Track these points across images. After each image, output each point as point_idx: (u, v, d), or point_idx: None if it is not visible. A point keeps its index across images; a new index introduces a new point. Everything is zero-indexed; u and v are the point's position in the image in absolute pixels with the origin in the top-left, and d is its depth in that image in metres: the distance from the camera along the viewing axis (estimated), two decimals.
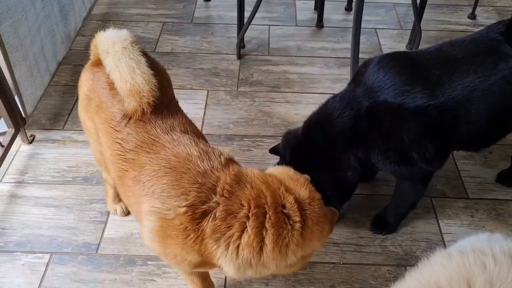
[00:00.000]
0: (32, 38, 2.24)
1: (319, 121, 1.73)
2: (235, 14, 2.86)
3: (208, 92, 2.66)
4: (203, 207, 1.20)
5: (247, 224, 1.19)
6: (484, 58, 1.58)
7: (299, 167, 1.73)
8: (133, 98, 1.37)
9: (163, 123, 1.41)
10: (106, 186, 1.96)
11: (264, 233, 1.19)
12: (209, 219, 1.19)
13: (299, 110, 2.53)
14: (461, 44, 1.65)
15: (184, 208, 1.20)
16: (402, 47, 2.99)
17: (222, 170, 1.27)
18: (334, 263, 1.87)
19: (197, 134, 1.48)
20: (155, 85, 1.39)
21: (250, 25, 2.80)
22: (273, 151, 1.92)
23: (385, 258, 1.89)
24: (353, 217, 2.03)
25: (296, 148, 1.75)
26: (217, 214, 1.19)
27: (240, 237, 1.19)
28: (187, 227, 1.20)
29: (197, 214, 1.20)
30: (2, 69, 2.06)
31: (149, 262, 1.86)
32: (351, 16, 3.16)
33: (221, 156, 1.32)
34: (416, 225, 2.01)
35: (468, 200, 2.11)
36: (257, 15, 2.76)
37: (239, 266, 1.22)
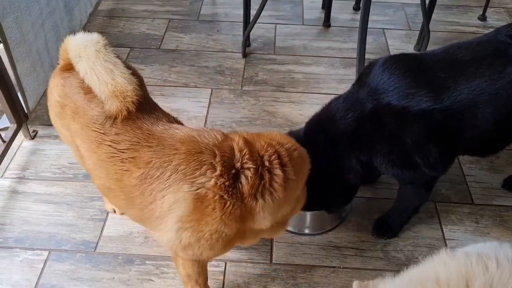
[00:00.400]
0: (35, 33, 2.24)
1: (322, 122, 1.71)
2: (241, 11, 2.83)
3: (212, 90, 2.64)
4: (232, 171, 1.28)
5: (273, 171, 1.30)
6: (491, 61, 1.54)
7: None
8: (116, 99, 1.35)
9: (149, 117, 1.42)
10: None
11: (284, 174, 1.32)
12: (242, 181, 1.28)
13: (303, 110, 2.50)
14: (468, 47, 1.61)
15: (213, 180, 1.26)
16: (410, 48, 2.94)
17: (228, 139, 1.36)
18: (334, 267, 1.85)
19: (179, 122, 1.52)
20: (137, 84, 1.38)
21: (256, 23, 2.77)
22: None
23: (386, 263, 1.86)
24: (355, 220, 2.00)
25: None
26: (248, 173, 1.28)
27: (271, 185, 1.30)
28: (222, 196, 1.26)
29: (229, 181, 1.27)
30: (5, 64, 2.05)
31: (147, 262, 1.84)
32: (359, 16, 3.12)
33: (215, 131, 1.38)
34: (419, 230, 1.97)
35: (473, 206, 2.07)
36: (263, 13, 2.73)
37: (274, 211, 1.34)
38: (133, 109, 1.37)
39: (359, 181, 1.74)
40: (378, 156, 1.60)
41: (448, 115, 1.51)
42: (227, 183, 1.26)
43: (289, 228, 1.95)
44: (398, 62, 1.60)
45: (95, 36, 1.43)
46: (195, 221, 1.29)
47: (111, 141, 1.38)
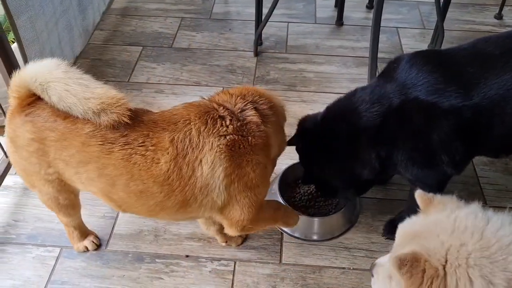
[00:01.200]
0: (49, 32, 2.26)
1: (345, 111, 1.66)
2: (253, 10, 2.82)
3: (223, 89, 2.62)
4: (237, 114, 1.47)
5: (259, 105, 1.52)
6: None
7: (311, 153, 1.69)
8: (110, 109, 1.33)
9: (138, 111, 1.44)
10: (69, 230, 1.83)
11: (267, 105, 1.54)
12: (248, 115, 1.47)
13: (314, 109, 2.44)
14: (496, 40, 1.58)
15: (230, 126, 1.42)
16: (424, 47, 2.90)
17: (212, 98, 1.54)
18: (344, 268, 1.84)
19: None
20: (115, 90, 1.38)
21: (268, 22, 2.77)
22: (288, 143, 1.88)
23: None
24: (366, 221, 1.98)
25: (312, 133, 1.70)
26: (249, 107, 1.48)
27: (265, 113, 1.51)
28: (242, 135, 1.44)
29: (239, 122, 1.46)
30: (19, 62, 2.07)
31: (157, 260, 1.85)
32: (372, 14, 3.09)
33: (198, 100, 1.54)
34: None
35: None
36: (275, 11, 2.72)
37: (275, 137, 1.56)
38: (131, 111, 1.37)
39: (372, 178, 1.70)
40: (399, 153, 1.57)
41: (477, 112, 1.47)
42: (239, 123, 1.44)
43: (296, 235, 1.93)
44: (426, 57, 1.57)
45: (54, 61, 1.38)
46: (238, 166, 1.42)
47: (123, 144, 1.37)
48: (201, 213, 1.50)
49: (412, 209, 1.84)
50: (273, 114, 1.53)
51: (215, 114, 1.43)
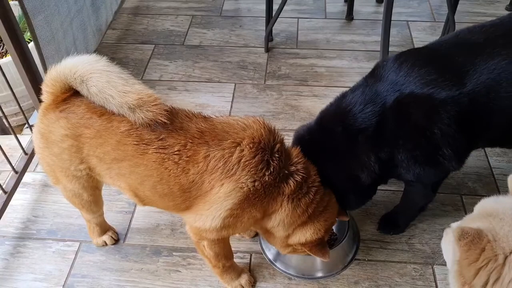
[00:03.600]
0: (64, 31, 2.30)
1: (337, 115, 1.61)
2: (263, 6, 2.85)
3: (235, 85, 2.66)
4: (284, 172, 1.43)
5: (309, 191, 1.48)
6: (507, 41, 1.49)
7: (308, 157, 1.64)
8: (146, 106, 1.31)
9: (182, 116, 1.41)
10: (90, 226, 1.87)
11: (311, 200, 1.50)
12: (290, 182, 1.43)
13: (326, 104, 2.49)
14: (480, 30, 1.56)
15: (267, 176, 1.38)
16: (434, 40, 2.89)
17: (283, 144, 1.48)
18: (359, 259, 1.85)
19: (199, 116, 1.54)
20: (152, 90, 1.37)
21: (278, 18, 2.78)
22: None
23: (411, 256, 1.85)
24: (379, 213, 2.00)
25: (308, 140, 1.63)
26: (297, 178, 1.43)
27: (300, 200, 1.46)
28: (265, 192, 1.40)
29: (276, 179, 1.41)
30: (36, 62, 2.12)
31: (174, 253, 1.89)
32: (382, 8, 3.09)
33: (266, 127, 1.47)
34: (445, 223, 1.95)
35: None
36: (286, 7, 2.74)
37: (288, 221, 1.49)
38: (168, 111, 1.36)
39: (371, 182, 1.62)
40: (400, 153, 1.53)
41: (473, 98, 1.45)
42: (275, 181, 1.40)
43: (299, 274, 1.80)
44: (412, 54, 1.57)
45: (93, 55, 1.37)
46: (242, 209, 1.40)
47: (157, 148, 1.36)
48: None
49: (407, 207, 1.86)
50: (315, 204, 1.49)
51: (266, 157, 1.38)
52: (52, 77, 1.39)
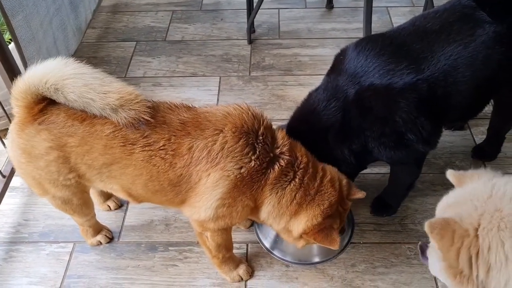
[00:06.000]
0: (44, 31, 2.26)
1: (305, 116, 1.65)
2: None
3: (220, 78, 2.65)
4: (269, 156, 1.40)
5: (296, 176, 1.44)
6: (461, 26, 1.54)
7: None
8: (128, 105, 1.28)
9: (165, 109, 1.40)
10: (83, 229, 1.84)
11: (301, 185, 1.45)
12: (275, 167, 1.39)
13: None
14: (434, 16, 1.60)
15: (253, 161, 1.35)
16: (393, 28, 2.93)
17: (269, 127, 1.46)
18: (354, 242, 1.87)
19: (187, 106, 1.52)
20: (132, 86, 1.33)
21: (259, 10, 2.78)
22: None
23: (405, 236, 1.88)
24: (372, 196, 2.01)
25: None
26: (282, 163, 1.40)
27: (285, 186, 1.43)
28: (254, 178, 1.37)
29: (263, 164, 1.38)
30: (17, 62, 2.08)
31: (170, 248, 1.88)
32: None
33: (249, 110, 1.46)
34: (435, 202, 1.93)
35: None
36: None
37: (276, 212, 1.46)
38: (151, 107, 1.34)
39: (352, 171, 1.68)
40: (369, 141, 1.57)
41: (432, 84, 1.50)
42: (262, 165, 1.37)
43: (297, 260, 1.81)
44: (370, 42, 1.58)
45: (58, 59, 1.32)
46: (233, 198, 1.38)
47: (143, 146, 1.34)
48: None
49: (395, 186, 1.88)
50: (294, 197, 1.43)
51: (251, 140, 1.36)
52: (21, 90, 1.31)
